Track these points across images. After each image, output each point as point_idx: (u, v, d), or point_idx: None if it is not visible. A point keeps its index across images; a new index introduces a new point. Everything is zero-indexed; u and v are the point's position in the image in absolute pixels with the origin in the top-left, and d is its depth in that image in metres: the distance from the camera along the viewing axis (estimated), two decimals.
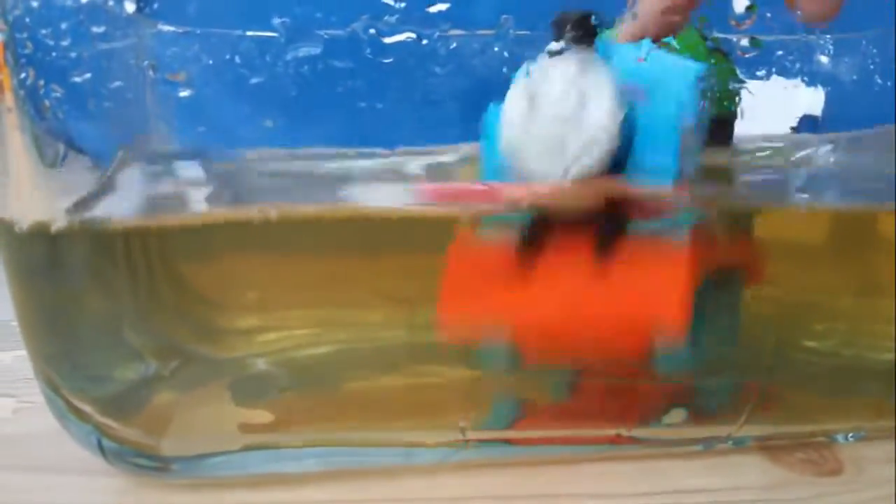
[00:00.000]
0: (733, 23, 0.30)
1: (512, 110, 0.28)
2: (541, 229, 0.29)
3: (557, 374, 0.32)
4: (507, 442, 0.32)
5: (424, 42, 0.33)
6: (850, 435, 0.33)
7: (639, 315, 0.29)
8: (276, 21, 0.32)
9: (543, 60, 0.28)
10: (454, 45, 0.33)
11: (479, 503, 0.29)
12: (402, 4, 0.33)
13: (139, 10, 0.30)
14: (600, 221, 0.28)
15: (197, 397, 0.31)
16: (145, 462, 0.30)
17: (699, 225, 0.29)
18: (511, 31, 0.32)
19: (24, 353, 0.30)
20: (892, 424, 0.32)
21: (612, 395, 0.34)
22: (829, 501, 0.29)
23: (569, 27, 0.28)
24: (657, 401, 0.32)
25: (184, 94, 0.32)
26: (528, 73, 0.28)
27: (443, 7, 0.33)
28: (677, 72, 0.28)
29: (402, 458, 0.31)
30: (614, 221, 0.28)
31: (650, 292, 0.29)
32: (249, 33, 0.33)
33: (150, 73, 0.31)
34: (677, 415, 0.31)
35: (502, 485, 0.30)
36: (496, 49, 0.32)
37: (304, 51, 0.33)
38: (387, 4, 0.32)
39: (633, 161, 0.27)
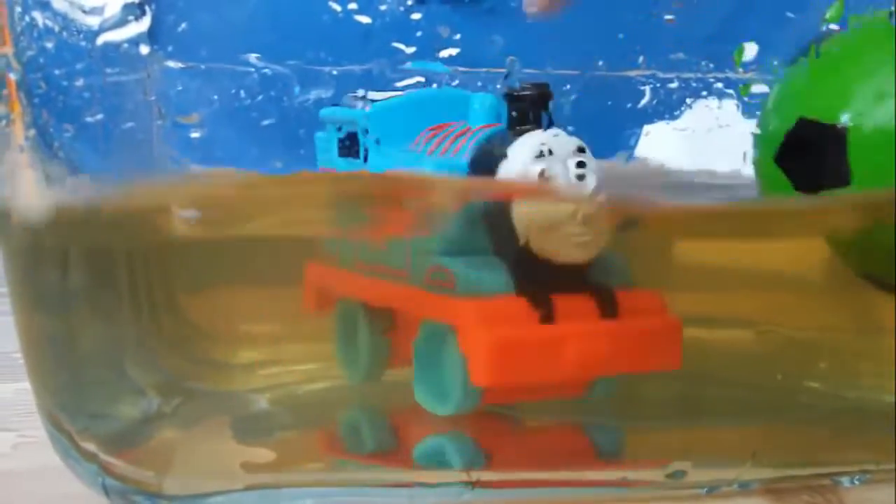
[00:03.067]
0: None
1: None
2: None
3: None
4: (516, 485, 0.33)
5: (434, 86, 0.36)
6: (856, 478, 0.34)
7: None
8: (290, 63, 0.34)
9: None
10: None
11: None
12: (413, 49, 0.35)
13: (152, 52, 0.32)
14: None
15: (199, 435, 0.33)
16: (148, 501, 0.31)
17: None
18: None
19: (24, 385, 0.31)
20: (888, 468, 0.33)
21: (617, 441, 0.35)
22: None
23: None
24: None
25: (195, 135, 0.33)
26: None
27: (454, 52, 0.35)
28: None
29: (405, 499, 0.32)
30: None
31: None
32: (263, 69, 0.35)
33: (160, 113, 0.32)
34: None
35: None
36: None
37: (315, 93, 0.36)
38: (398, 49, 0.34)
39: None
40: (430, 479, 0.33)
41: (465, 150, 0.34)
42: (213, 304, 0.35)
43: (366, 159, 0.36)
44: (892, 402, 0.35)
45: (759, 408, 0.36)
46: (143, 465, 0.32)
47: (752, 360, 0.37)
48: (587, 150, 0.32)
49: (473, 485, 0.32)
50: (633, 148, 0.40)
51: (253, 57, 0.37)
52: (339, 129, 0.37)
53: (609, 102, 0.40)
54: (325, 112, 0.37)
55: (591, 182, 0.31)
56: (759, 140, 0.38)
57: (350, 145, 0.36)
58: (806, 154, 0.36)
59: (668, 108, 0.40)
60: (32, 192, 0.30)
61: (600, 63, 0.40)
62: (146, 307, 0.33)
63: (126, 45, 0.31)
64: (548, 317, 0.31)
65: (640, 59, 0.40)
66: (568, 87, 0.39)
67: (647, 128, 0.40)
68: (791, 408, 0.37)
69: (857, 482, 0.34)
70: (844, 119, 0.34)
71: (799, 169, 0.36)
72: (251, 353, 0.36)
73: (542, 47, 0.38)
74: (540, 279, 0.31)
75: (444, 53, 0.37)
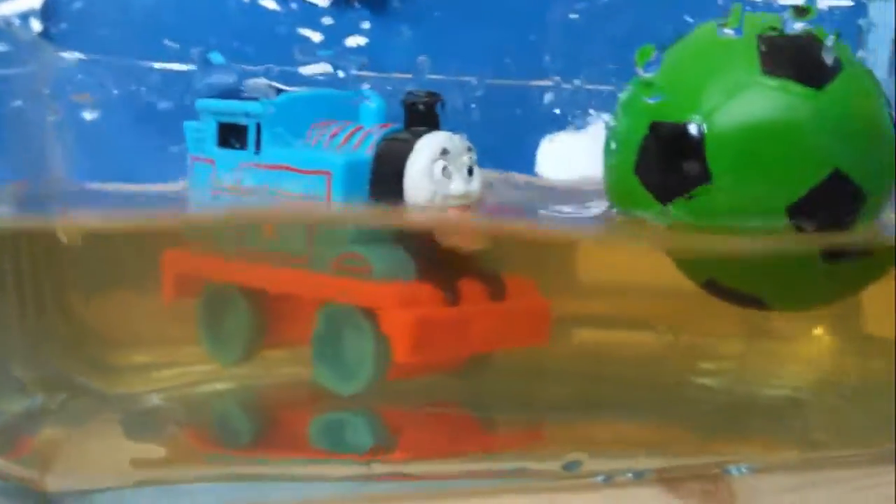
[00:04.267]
0: None
1: None
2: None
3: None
4: (412, 477, 0.34)
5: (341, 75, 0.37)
6: (744, 467, 0.35)
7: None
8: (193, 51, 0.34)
9: None
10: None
11: None
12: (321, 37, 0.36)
13: (45, 33, 0.31)
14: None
15: (86, 432, 0.32)
16: (29, 498, 0.31)
17: None
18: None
19: None
20: (783, 457, 0.36)
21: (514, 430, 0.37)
22: None
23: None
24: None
25: (90, 116, 0.33)
26: None
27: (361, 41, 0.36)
28: None
29: (303, 492, 0.32)
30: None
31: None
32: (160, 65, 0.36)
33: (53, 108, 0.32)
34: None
35: None
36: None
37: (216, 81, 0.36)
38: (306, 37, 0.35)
39: None
40: (326, 473, 0.33)
41: (367, 145, 0.36)
42: (102, 305, 0.35)
43: (258, 150, 0.37)
44: (778, 397, 0.37)
45: (651, 403, 0.39)
46: (26, 462, 0.31)
47: (644, 359, 0.40)
48: (474, 151, 0.36)
49: (371, 477, 0.32)
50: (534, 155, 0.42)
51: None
52: (218, 119, 0.38)
53: (516, 110, 0.42)
54: (204, 103, 0.38)
55: (477, 180, 0.36)
56: (610, 149, 0.38)
57: (234, 136, 0.38)
58: (663, 158, 0.35)
59: (572, 117, 0.42)
60: None
61: (506, 69, 0.42)
62: (32, 307, 0.33)
63: (17, 22, 0.30)
64: (455, 299, 0.35)
65: (546, 67, 0.41)
66: (478, 93, 0.41)
67: (548, 137, 0.42)
68: (682, 402, 0.39)
69: (744, 471, 0.35)
70: (698, 118, 0.34)
71: (657, 175, 0.35)
72: (142, 355, 0.36)
73: (449, 53, 0.39)
74: (441, 267, 0.35)
75: (352, 42, 0.38)
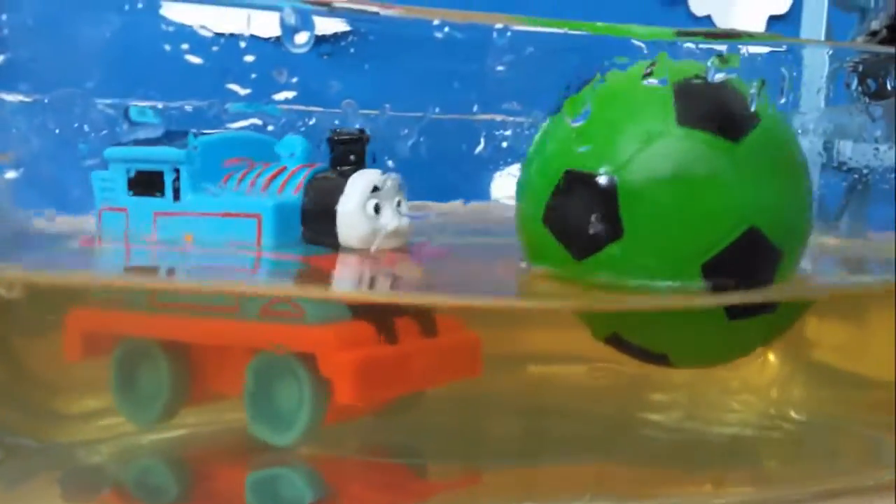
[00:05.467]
0: None
1: None
2: None
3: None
4: None
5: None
6: None
7: None
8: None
9: None
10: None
11: None
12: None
13: None
14: None
15: (22, 493, 0.32)
16: None
17: None
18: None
19: None
20: (729, 499, 0.37)
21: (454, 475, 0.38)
22: None
23: None
24: None
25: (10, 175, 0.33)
26: None
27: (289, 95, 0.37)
28: None
29: None
30: None
31: None
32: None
33: None
34: None
35: None
36: None
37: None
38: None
39: None
40: None
41: (293, 186, 0.37)
42: (39, 354, 0.35)
43: (177, 198, 0.37)
44: (727, 434, 0.38)
45: (597, 440, 0.39)
46: None
47: (588, 393, 0.41)
48: (405, 188, 0.37)
49: None
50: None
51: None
52: (128, 169, 0.38)
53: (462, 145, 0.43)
54: (114, 151, 0.38)
55: (406, 217, 0.37)
56: (522, 199, 0.37)
57: (149, 184, 0.38)
58: (574, 209, 0.35)
59: (508, 153, 0.43)
60: None
61: (437, 109, 0.42)
62: None
63: None
64: (392, 338, 0.35)
65: (475, 106, 0.42)
66: (405, 131, 0.42)
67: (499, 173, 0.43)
68: (629, 440, 0.40)
69: None
70: (612, 167, 0.34)
71: (568, 226, 0.35)
72: (78, 403, 0.36)
73: (379, 92, 0.40)
74: (374, 306, 0.36)
75: (280, 96, 0.38)
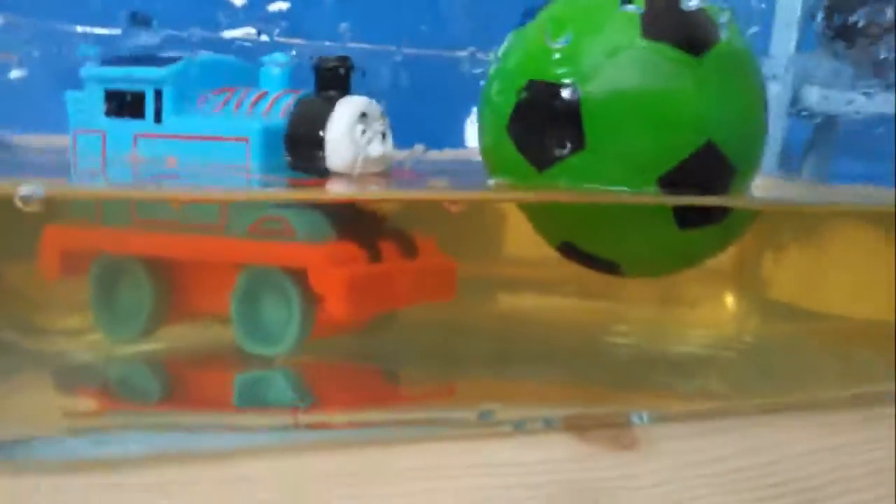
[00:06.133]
0: None
1: None
2: None
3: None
4: (336, 426, 0.36)
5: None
6: (645, 416, 0.39)
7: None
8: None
9: None
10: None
11: (313, 481, 0.32)
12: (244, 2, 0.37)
13: None
14: None
15: (15, 384, 0.33)
16: None
17: None
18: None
19: None
20: (682, 407, 0.40)
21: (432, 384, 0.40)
22: (624, 470, 0.35)
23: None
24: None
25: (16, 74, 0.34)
26: None
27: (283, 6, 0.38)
28: None
29: (233, 442, 0.34)
30: None
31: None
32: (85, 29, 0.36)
33: None
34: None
35: (334, 463, 0.33)
36: None
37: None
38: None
39: None
40: (253, 423, 0.35)
41: (277, 111, 0.37)
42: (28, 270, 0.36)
43: (158, 120, 0.37)
44: (683, 353, 0.41)
45: (563, 359, 0.41)
46: None
47: (555, 323, 0.43)
48: (386, 116, 0.38)
49: (297, 427, 0.34)
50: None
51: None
52: (106, 89, 0.38)
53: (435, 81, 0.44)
54: (91, 71, 0.38)
55: (389, 143, 0.38)
56: (485, 110, 0.38)
57: (128, 105, 0.38)
58: (537, 120, 0.35)
59: None
60: None
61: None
62: None
63: None
64: (377, 257, 0.36)
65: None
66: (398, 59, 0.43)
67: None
68: (592, 359, 0.42)
69: (645, 420, 0.39)
70: (576, 78, 0.34)
71: (531, 138, 0.36)
72: (68, 319, 0.37)
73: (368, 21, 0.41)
74: (359, 227, 0.37)
75: (274, 7, 0.39)
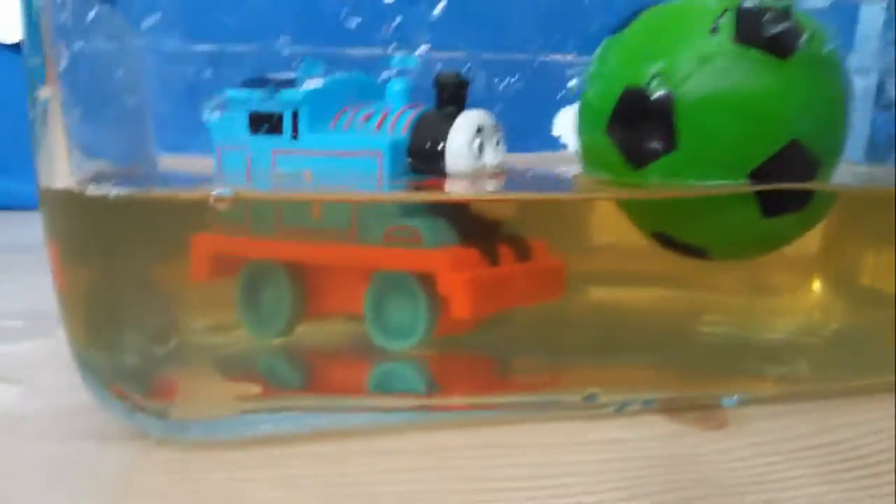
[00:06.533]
0: None
1: None
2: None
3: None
4: (459, 407, 0.42)
5: None
6: (735, 399, 0.43)
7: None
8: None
9: None
10: None
11: (441, 453, 0.38)
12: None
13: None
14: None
15: (192, 374, 0.40)
16: (166, 426, 0.38)
17: None
18: None
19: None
20: (769, 390, 0.44)
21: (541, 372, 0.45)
22: (713, 447, 0.38)
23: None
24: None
25: None
26: None
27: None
28: None
29: (372, 419, 0.40)
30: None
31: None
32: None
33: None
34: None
35: (462, 438, 0.39)
36: None
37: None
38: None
39: None
40: (387, 405, 0.41)
41: (401, 126, 0.41)
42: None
43: (295, 136, 0.42)
44: (769, 339, 0.45)
45: (658, 348, 0.45)
46: (156, 397, 0.38)
47: (653, 311, 0.47)
48: (501, 127, 0.42)
49: (424, 408, 0.40)
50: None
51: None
52: (249, 109, 0.42)
53: (538, 87, 0.45)
54: (235, 93, 0.42)
55: (502, 151, 0.42)
56: (584, 112, 0.41)
57: (270, 125, 0.42)
58: (634, 123, 0.38)
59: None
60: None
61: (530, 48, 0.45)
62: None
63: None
64: (495, 261, 0.41)
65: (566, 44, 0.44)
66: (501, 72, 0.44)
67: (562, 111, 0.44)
68: (684, 347, 0.46)
69: (735, 402, 0.43)
70: (671, 85, 0.37)
71: (628, 139, 0.39)
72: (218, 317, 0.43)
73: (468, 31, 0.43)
74: (479, 233, 0.41)
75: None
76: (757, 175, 0.38)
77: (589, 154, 0.42)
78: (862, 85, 0.46)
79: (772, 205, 0.39)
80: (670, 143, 0.38)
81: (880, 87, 0.48)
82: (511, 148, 0.42)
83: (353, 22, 0.40)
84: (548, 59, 0.44)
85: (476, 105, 0.41)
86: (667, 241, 0.42)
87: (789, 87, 0.38)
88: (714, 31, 0.38)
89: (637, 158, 0.39)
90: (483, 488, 0.34)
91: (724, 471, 0.36)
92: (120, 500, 0.34)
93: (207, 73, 0.41)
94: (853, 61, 0.44)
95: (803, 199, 0.40)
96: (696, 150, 0.38)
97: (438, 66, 0.42)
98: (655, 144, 0.38)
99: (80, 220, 0.37)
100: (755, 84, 0.38)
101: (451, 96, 0.41)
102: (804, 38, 0.38)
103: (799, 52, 0.38)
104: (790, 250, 0.43)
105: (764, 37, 0.37)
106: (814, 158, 0.39)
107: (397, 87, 0.42)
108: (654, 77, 0.38)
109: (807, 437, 0.40)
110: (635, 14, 0.40)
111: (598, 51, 0.41)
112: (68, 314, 0.38)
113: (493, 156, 0.41)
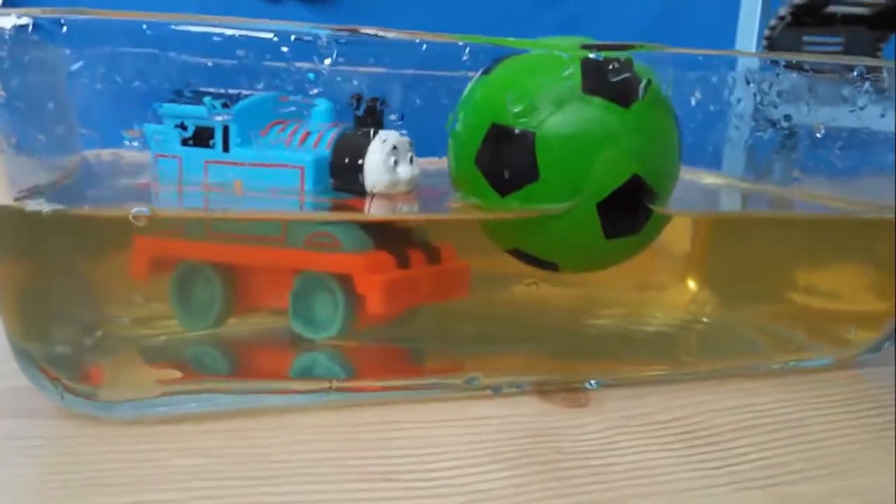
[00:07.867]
0: None
1: None
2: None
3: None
4: (363, 389, 0.48)
5: None
6: (595, 382, 0.49)
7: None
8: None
9: None
10: None
11: (344, 429, 0.43)
12: None
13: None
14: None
15: (118, 360, 0.45)
16: (97, 406, 0.42)
17: None
18: None
19: None
20: (624, 375, 0.50)
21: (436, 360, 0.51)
22: (576, 422, 0.44)
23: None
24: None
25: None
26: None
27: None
28: None
29: (285, 401, 0.45)
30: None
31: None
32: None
33: None
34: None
35: (367, 416, 0.44)
36: None
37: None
38: None
39: None
40: (300, 388, 0.47)
41: (325, 143, 0.46)
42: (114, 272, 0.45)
43: (226, 149, 0.45)
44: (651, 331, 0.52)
45: (542, 338, 0.51)
46: (86, 381, 0.43)
47: (541, 309, 0.53)
48: (412, 144, 0.46)
49: (333, 390, 0.46)
50: None
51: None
52: (181, 124, 0.44)
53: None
54: (168, 108, 0.44)
55: (416, 166, 0.47)
56: (455, 144, 0.46)
57: (200, 138, 0.45)
58: (499, 156, 0.43)
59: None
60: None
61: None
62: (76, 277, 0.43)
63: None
64: (406, 264, 0.46)
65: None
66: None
67: None
68: (569, 338, 0.52)
69: (595, 385, 0.49)
70: (531, 124, 0.42)
71: (494, 170, 0.43)
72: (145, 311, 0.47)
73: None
74: (392, 240, 0.47)
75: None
76: (605, 204, 0.44)
77: (461, 181, 0.46)
78: (741, 105, 0.53)
79: (612, 228, 0.45)
80: (531, 176, 0.43)
81: (757, 108, 0.53)
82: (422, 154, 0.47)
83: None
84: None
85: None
86: (522, 256, 0.47)
87: (631, 131, 0.44)
88: (567, 78, 0.43)
89: (503, 186, 0.44)
90: (379, 455, 0.40)
91: (575, 441, 0.42)
92: (56, 467, 0.38)
93: (138, 83, 0.43)
94: (732, 82, 0.51)
95: (639, 223, 0.46)
96: (553, 181, 0.43)
97: (354, 82, 0.45)
98: (518, 176, 0.43)
99: (16, 230, 0.41)
100: (602, 127, 0.43)
101: (367, 117, 0.46)
102: (642, 86, 0.43)
103: (637, 102, 0.43)
104: (668, 254, 0.50)
105: (607, 88, 0.43)
106: (652, 190, 0.44)
107: (322, 106, 0.47)
108: (517, 115, 0.43)
109: (654, 413, 0.46)
110: (498, 60, 0.45)
111: (468, 89, 0.46)
112: (4, 308, 0.41)
113: (406, 171, 0.46)
